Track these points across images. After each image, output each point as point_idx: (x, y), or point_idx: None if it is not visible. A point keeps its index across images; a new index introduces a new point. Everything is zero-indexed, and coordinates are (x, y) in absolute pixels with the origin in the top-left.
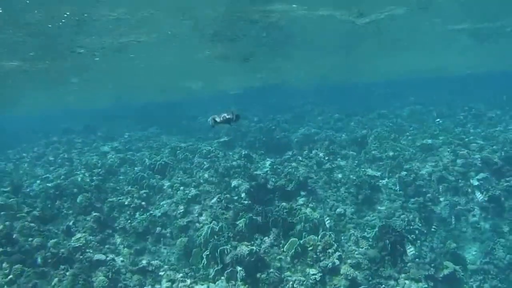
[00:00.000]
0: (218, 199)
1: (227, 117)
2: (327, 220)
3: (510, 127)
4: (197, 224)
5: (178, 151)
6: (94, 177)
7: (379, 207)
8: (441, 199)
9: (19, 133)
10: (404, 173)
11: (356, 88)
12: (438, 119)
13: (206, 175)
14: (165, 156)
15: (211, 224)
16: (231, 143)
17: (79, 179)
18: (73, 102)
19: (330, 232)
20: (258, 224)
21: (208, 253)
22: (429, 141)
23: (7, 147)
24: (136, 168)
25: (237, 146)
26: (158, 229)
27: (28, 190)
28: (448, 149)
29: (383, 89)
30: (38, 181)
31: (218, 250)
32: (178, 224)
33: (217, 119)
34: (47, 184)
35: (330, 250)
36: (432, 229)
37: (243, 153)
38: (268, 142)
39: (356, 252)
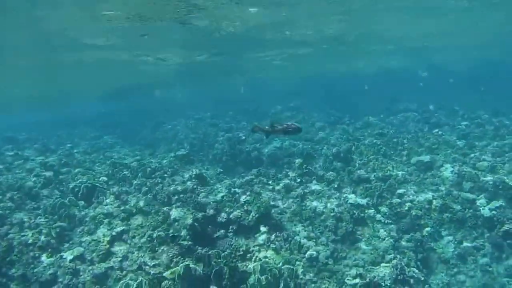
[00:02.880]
0: (149, 238)
1: None
2: (294, 269)
3: None
4: (118, 273)
5: (116, 169)
6: (1, 204)
7: (364, 247)
8: (444, 234)
9: None
10: (396, 200)
11: (345, 87)
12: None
13: (141, 203)
14: (98, 175)
15: (128, 279)
16: (190, 157)
17: None
18: None
19: None
20: (198, 276)
21: None
22: (427, 157)
23: None
24: (58, 192)
25: (197, 161)
26: (68, 277)
27: None
28: (452, 169)
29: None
30: None
31: None
32: (93, 272)
33: None
34: None
35: None
36: None
37: (194, 172)
38: (236, 156)
39: None
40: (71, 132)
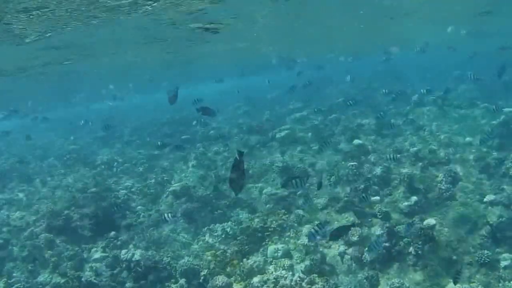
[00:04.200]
0: (48, 226)
1: None
2: None
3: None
4: (18, 263)
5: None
6: None
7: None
8: None
9: None
10: None
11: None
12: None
13: (44, 190)
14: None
15: None
16: (107, 139)
17: None
18: None
19: None
20: None
21: None
22: None
23: None
24: None
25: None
26: None
27: None
28: None
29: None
30: None
31: None
32: None
33: None
34: None
35: None
36: None
37: (104, 158)
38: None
39: None
40: None
